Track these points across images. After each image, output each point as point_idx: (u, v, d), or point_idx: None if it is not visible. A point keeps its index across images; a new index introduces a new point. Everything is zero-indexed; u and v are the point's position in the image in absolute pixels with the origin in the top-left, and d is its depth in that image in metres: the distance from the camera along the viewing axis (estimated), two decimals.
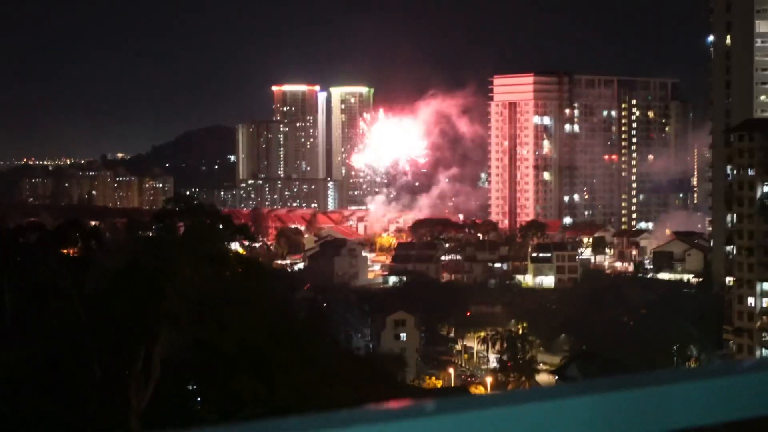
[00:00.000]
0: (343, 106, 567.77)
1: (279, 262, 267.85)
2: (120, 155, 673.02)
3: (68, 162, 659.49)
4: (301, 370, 47.37)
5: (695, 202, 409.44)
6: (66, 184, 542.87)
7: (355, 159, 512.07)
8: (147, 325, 47.82)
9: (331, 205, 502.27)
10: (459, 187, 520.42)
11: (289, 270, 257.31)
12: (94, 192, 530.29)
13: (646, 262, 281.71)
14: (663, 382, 2.45)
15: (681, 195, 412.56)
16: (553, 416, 2.53)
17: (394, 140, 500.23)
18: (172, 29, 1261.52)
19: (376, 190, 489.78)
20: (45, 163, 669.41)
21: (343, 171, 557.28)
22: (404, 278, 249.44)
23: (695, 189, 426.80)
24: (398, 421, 2.33)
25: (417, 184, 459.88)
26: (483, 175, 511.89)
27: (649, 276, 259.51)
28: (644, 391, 2.45)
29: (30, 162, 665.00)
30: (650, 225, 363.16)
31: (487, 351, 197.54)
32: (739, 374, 2.56)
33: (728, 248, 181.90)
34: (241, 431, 2.31)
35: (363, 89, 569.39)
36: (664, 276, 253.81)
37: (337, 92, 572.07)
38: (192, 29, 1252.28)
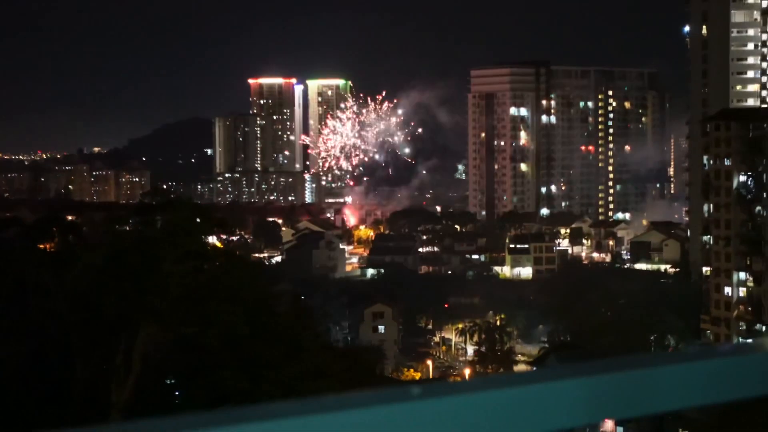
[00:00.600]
0: (320, 99, 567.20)
1: (257, 255, 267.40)
2: (97, 149, 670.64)
3: (45, 156, 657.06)
4: (285, 364, 47.33)
5: (672, 192, 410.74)
6: (43, 179, 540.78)
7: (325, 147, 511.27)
8: (128, 321, 47.71)
9: (308, 197, 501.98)
10: (437, 178, 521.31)
11: (267, 263, 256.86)
12: (71, 186, 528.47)
13: (624, 252, 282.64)
14: (646, 366, 2.51)
15: (658, 185, 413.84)
16: (540, 399, 2.55)
17: (372, 131, 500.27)
18: (149, 22, 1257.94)
19: (351, 183, 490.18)
20: (21, 157, 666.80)
21: (320, 163, 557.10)
22: (382, 270, 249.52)
23: (672, 179, 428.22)
24: (387, 404, 2.35)
25: (395, 174, 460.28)
26: (461, 167, 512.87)
27: (626, 266, 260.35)
28: (629, 374, 2.52)
29: (6, 157, 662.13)
30: (627, 215, 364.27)
31: (466, 342, 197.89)
32: (721, 358, 2.61)
33: (705, 238, 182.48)
34: (230, 416, 2.33)
35: (340, 81, 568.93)
36: (641, 266, 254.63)
37: (314, 85, 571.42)
38: (169, 22, 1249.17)
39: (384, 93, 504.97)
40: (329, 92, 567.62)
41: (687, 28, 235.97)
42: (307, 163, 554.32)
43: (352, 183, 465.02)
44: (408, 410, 2.35)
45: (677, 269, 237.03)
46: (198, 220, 60.93)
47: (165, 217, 57.99)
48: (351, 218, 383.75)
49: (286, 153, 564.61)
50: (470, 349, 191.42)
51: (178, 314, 48.72)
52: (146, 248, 51.43)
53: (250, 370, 45.84)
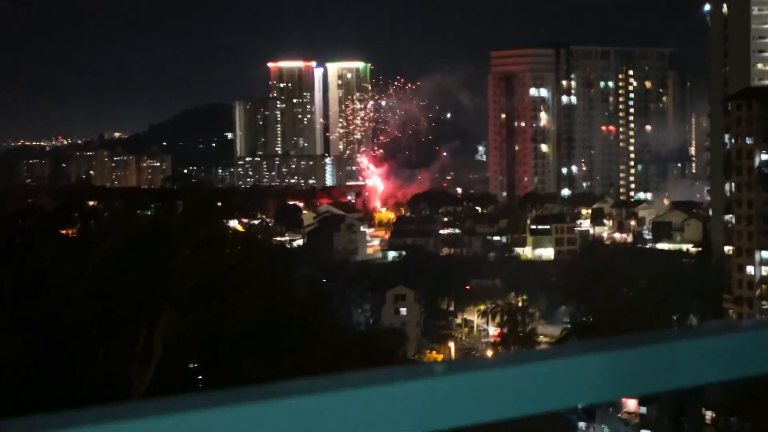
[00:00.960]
0: (339, 82, 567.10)
1: (278, 238, 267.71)
2: (117, 135, 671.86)
3: (65, 142, 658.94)
4: (305, 351, 47.41)
5: (694, 171, 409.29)
6: (64, 165, 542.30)
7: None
8: (148, 307, 47.80)
9: (329, 181, 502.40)
10: (458, 160, 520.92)
11: (288, 247, 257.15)
12: (92, 172, 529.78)
13: (645, 232, 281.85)
14: (666, 341, 2.50)
15: (679, 165, 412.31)
16: (564, 374, 2.56)
17: (392, 114, 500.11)
18: (168, 8, 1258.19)
19: (371, 166, 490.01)
20: (42, 143, 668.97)
21: (341, 146, 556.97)
22: (403, 253, 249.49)
23: (694, 159, 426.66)
24: (409, 381, 2.38)
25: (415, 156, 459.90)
26: (481, 149, 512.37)
27: (648, 246, 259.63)
28: (649, 349, 2.52)
29: (27, 143, 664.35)
30: (649, 195, 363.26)
31: (488, 324, 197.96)
32: (739, 333, 2.61)
33: (727, 217, 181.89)
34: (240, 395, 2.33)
35: (360, 64, 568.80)
36: (663, 246, 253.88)
37: (334, 68, 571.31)
38: (188, 6, 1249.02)
39: (404, 76, 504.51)
40: (349, 75, 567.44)
41: (707, 7, 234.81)
42: (328, 143, 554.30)
43: (374, 165, 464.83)
44: (431, 386, 2.38)
45: (699, 249, 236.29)
46: (218, 205, 61.02)
47: (185, 203, 58.03)
48: (373, 201, 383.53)
49: (307, 136, 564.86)
50: (492, 331, 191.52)
51: (197, 301, 48.81)
52: (165, 234, 51.47)
53: (268, 356, 45.92)
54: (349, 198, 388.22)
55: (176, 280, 48.42)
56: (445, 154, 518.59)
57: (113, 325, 47.91)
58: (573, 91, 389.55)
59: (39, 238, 59.19)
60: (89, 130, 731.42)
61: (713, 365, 2.44)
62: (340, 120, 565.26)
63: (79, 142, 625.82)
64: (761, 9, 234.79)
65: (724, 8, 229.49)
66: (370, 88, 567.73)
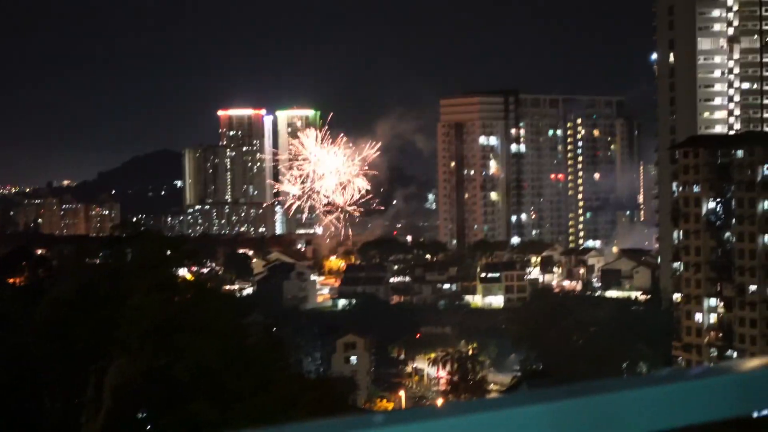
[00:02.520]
0: (289, 130, 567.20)
1: (228, 287, 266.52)
2: (66, 182, 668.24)
3: (13, 190, 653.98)
4: (256, 396, 47.14)
5: (642, 219, 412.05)
6: (12, 213, 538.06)
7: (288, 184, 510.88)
8: (98, 354, 47.42)
9: (279, 228, 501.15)
10: (408, 208, 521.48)
11: (238, 295, 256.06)
12: (40, 220, 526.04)
13: (595, 280, 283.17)
14: (614, 390, 2.47)
15: (628, 212, 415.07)
16: (506, 426, 2.50)
17: (339, 162, 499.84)
18: (118, 55, 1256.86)
19: (322, 213, 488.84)
20: None
21: (290, 194, 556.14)
22: (353, 301, 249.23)
23: (642, 206, 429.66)
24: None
25: (365, 207, 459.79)
26: (431, 196, 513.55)
27: (597, 294, 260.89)
28: (596, 398, 2.48)
29: None
30: (598, 243, 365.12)
31: (438, 372, 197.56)
32: (689, 380, 2.59)
33: (675, 265, 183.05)
34: None
35: (309, 112, 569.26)
36: (612, 294, 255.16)
37: (284, 115, 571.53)
38: (137, 54, 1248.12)
39: (354, 123, 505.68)
40: (299, 122, 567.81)
41: (654, 56, 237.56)
42: (276, 190, 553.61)
43: (323, 213, 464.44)
44: None
45: (648, 296, 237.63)
46: (168, 252, 60.68)
47: (134, 250, 57.74)
48: (322, 248, 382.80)
49: (257, 184, 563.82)
50: (443, 379, 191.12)
51: (148, 346, 48.47)
52: (115, 281, 51.17)
53: (220, 401, 45.65)
54: (299, 246, 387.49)
55: (126, 325, 48.08)
56: (395, 201, 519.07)
57: (62, 371, 47.44)
58: (522, 139, 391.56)
59: None
60: (38, 177, 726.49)
61: (661, 413, 2.47)
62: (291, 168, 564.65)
63: (28, 189, 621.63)
64: (707, 58, 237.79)
65: (671, 57, 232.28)
66: (321, 135, 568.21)
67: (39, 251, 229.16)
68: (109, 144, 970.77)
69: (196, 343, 48.08)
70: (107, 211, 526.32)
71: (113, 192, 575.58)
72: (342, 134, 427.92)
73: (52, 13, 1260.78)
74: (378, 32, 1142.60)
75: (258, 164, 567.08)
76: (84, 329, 48.53)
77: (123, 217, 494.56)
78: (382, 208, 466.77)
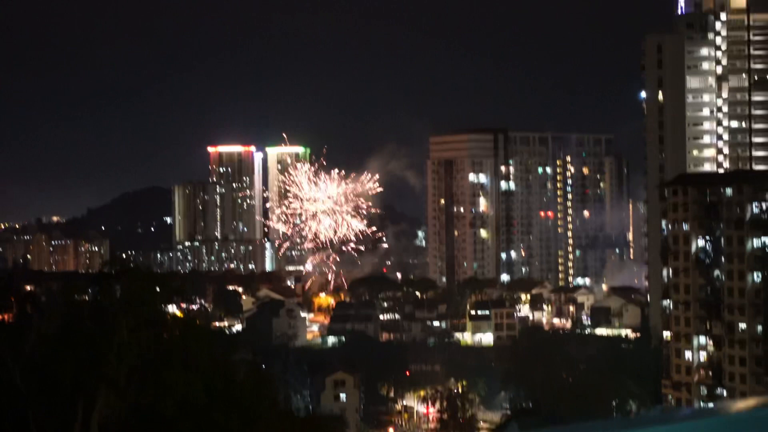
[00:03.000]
0: (279, 167, 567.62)
1: (217, 324, 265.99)
2: (55, 218, 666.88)
3: (3, 226, 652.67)
4: (244, 431, 46.93)
5: (632, 257, 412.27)
6: (0, 249, 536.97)
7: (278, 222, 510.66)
8: (85, 390, 47.16)
9: (268, 265, 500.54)
10: (397, 245, 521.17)
11: (227, 332, 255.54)
12: (29, 256, 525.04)
13: (584, 317, 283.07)
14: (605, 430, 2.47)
15: (617, 250, 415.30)
16: None
17: (329, 198, 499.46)
18: (107, 91, 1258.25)
19: (308, 249, 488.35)
20: None
21: (281, 232, 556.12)
22: (343, 338, 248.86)
23: (632, 244, 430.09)
24: None
25: (354, 244, 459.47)
26: (421, 233, 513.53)
27: (587, 332, 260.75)
28: None
29: None
30: (587, 281, 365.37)
31: (427, 409, 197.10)
32: (678, 422, 2.61)
33: (665, 302, 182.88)
34: None
35: (299, 149, 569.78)
36: (602, 331, 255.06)
37: (273, 152, 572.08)
38: (126, 90, 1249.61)
39: (344, 160, 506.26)
40: (288, 159, 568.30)
41: (643, 94, 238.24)
42: (267, 229, 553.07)
43: (313, 250, 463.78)
44: None
45: (637, 334, 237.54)
46: (156, 288, 60.48)
47: (123, 286, 57.53)
48: (312, 286, 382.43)
49: (246, 221, 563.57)
50: (433, 416, 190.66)
51: (134, 382, 48.24)
52: (102, 317, 50.97)
53: None
54: (288, 283, 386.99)
55: (113, 362, 47.85)
56: (384, 239, 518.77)
57: (49, 407, 47.17)
58: (512, 177, 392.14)
59: None
60: (27, 213, 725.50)
61: None
62: (280, 205, 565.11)
63: (17, 225, 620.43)
64: (695, 97, 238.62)
65: (660, 95, 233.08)
66: (310, 172, 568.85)
67: (27, 287, 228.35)
68: (99, 180, 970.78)
69: (183, 380, 47.86)
70: (96, 248, 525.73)
71: (102, 228, 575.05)
72: (336, 169, 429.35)
73: (41, 50, 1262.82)
74: (367, 70, 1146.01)
75: (248, 201, 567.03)
76: (71, 365, 48.30)
77: (112, 253, 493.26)
78: (384, 244, 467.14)
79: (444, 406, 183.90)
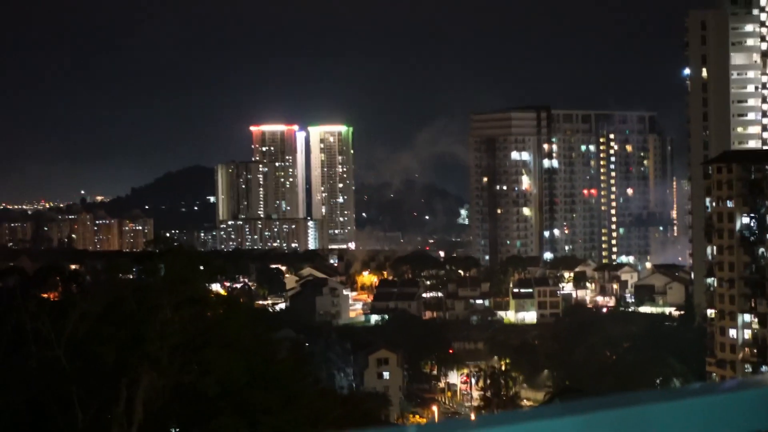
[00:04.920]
0: (322, 145, 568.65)
1: (260, 302, 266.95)
2: (99, 198, 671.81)
3: (47, 206, 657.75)
4: (284, 411, 47.14)
5: (675, 234, 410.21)
6: (45, 228, 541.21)
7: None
8: (128, 368, 47.54)
9: (311, 244, 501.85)
10: (440, 223, 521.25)
11: (271, 310, 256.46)
12: (74, 235, 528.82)
13: (628, 295, 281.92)
14: (643, 403, 2.44)
15: (661, 228, 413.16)
16: None
17: (376, 177, 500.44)
18: (151, 71, 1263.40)
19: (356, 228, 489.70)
20: (24, 207, 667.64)
21: (323, 210, 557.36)
22: (386, 316, 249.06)
23: (675, 222, 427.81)
24: None
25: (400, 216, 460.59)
26: (463, 212, 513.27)
27: (630, 310, 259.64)
28: (626, 410, 2.47)
29: (8, 206, 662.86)
30: (631, 259, 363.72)
31: (471, 388, 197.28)
32: (722, 393, 2.56)
33: (709, 280, 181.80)
34: None
35: (342, 128, 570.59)
36: (645, 309, 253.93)
37: (316, 131, 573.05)
38: (170, 71, 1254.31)
39: (387, 138, 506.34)
40: (331, 138, 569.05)
41: (687, 71, 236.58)
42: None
43: (356, 228, 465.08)
44: None
45: (681, 312, 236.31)
46: (199, 267, 60.85)
47: (166, 266, 57.89)
48: (355, 264, 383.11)
49: (289, 199, 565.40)
50: (475, 395, 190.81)
51: (177, 362, 48.59)
52: (145, 296, 51.33)
53: (248, 416, 45.66)
54: (331, 261, 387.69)
55: (156, 340, 48.22)
56: (427, 216, 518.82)
57: (93, 385, 47.58)
58: (555, 155, 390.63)
59: (19, 300, 58.83)
60: (71, 193, 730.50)
61: (689, 427, 2.45)
62: (323, 184, 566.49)
63: (61, 205, 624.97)
64: (740, 73, 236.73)
65: (704, 72, 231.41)
66: (352, 151, 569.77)
67: (72, 266, 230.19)
68: (143, 160, 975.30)
69: (225, 358, 48.18)
70: (140, 227, 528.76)
71: (146, 208, 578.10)
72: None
73: (88, 31, 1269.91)
74: (408, 48, 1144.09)
75: (290, 179, 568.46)
76: (114, 344, 48.70)
77: (156, 232, 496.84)
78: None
79: (487, 384, 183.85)
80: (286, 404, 47.69)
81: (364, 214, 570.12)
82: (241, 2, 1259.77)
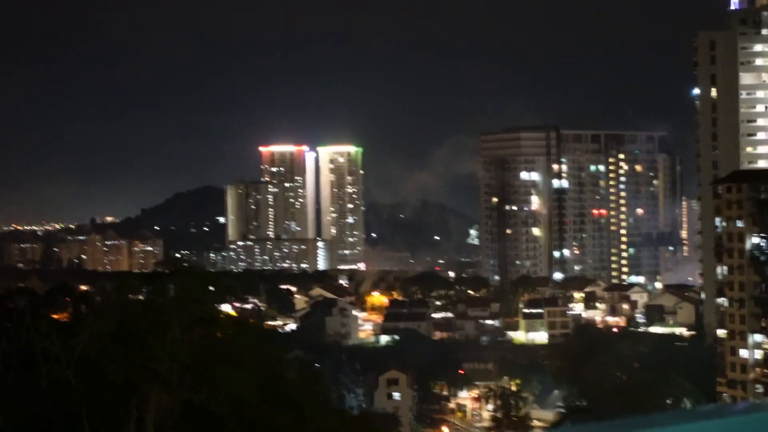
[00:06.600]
0: (331, 166, 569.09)
1: (270, 323, 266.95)
2: (109, 219, 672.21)
3: (57, 227, 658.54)
4: (293, 430, 47.08)
5: (685, 254, 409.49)
6: (55, 249, 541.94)
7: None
8: (138, 388, 47.53)
9: (321, 264, 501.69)
10: (450, 243, 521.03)
11: (281, 331, 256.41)
12: (83, 256, 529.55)
13: (638, 316, 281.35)
14: (660, 424, 2.46)
15: (671, 248, 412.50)
16: None
17: (384, 197, 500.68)
18: (161, 92, 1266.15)
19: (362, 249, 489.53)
20: (34, 228, 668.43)
21: (333, 230, 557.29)
22: (396, 337, 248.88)
23: (685, 241, 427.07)
24: None
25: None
26: (473, 232, 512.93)
27: (641, 330, 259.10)
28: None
29: (19, 227, 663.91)
30: (641, 279, 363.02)
31: (481, 408, 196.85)
32: (734, 416, 2.58)
33: (719, 300, 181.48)
34: None
35: (351, 148, 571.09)
36: (656, 329, 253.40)
37: (325, 152, 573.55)
38: (179, 91, 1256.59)
39: (396, 159, 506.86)
40: (341, 159, 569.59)
41: (696, 91, 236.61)
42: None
43: (366, 249, 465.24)
44: None
45: (692, 332, 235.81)
46: (209, 288, 60.89)
47: (176, 286, 57.97)
48: (364, 284, 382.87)
49: (299, 220, 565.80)
50: (486, 415, 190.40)
51: (187, 381, 48.58)
52: (155, 316, 51.37)
53: None
54: (341, 281, 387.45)
55: (166, 360, 48.21)
56: (437, 237, 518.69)
57: (102, 405, 47.55)
58: (564, 175, 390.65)
59: (29, 321, 58.90)
60: (81, 214, 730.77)
61: None
62: (332, 204, 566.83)
63: (71, 226, 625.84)
64: (749, 93, 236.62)
65: (713, 92, 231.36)
66: (362, 171, 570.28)
67: (82, 287, 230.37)
68: (152, 181, 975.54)
69: (235, 378, 48.17)
70: (150, 248, 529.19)
71: (156, 228, 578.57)
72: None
73: (98, 52, 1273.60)
74: (419, 67, 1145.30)
75: (300, 200, 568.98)
76: (124, 363, 48.70)
77: (166, 253, 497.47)
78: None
79: (497, 405, 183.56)
80: (295, 424, 47.67)
81: (373, 235, 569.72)
82: (250, 22, 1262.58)
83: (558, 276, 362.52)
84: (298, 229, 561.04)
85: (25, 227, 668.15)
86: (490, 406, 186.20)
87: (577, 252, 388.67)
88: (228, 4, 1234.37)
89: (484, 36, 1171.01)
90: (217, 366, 49.45)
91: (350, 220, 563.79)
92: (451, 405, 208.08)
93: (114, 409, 47.78)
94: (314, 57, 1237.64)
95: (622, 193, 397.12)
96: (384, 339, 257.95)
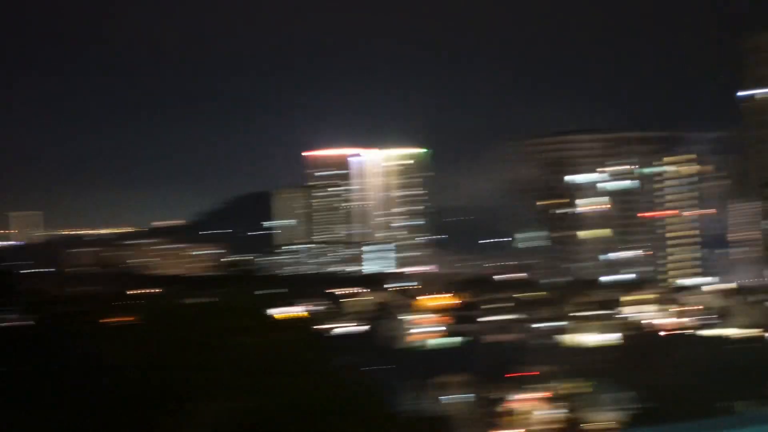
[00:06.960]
0: (387, 168, 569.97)
1: (325, 326, 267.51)
2: (166, 223, 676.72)
3: (115, 231, 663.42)
4: None
5: (747, 255, 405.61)
6: (114, 254, 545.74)
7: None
8: (197, 395, 47.32)
9: (374, 267, 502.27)
10: (503, 245, 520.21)
11: (336, 334, 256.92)
12: (142, 260, 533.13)
13: (701, 317, 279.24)
14: (730, 427, 2.53)
15: (731, 249, 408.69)
16: None
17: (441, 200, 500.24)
18: (219, 96, 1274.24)
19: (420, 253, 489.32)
20: (92, 231, 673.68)
21: (386, 233, 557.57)
22: (451, 339, 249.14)
23: (746, 242, 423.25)
24: None
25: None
26: (525, 235, 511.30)
27: (704, 333, 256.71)
28: None
29: (77, 231, 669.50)
30: (698, 280, 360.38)
31: (540, 410, 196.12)
32: None
33: None
34: None
35: (413, 150, 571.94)
36: (716, 332, 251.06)
37: (380, 155, 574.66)
38: (237, 94, 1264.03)
39: (451, 161, 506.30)
40: (394, 161, 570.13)
41: (745, 93, 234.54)
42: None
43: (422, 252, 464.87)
44: None
45: (762, 334, 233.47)
46: (264, 292, 60.80)
47: (231, 290, 58.00)
48: (420, 287, 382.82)
49: (354, 223, 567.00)
50: (542, 417, 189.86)
51: (243, 388, 48.37)
52: (211, 322, 51.23)
53: None
54: (396, 284, 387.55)
55: (226, 365, 48.07)
56: (490, 240, 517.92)
57: (160, 412, 47.39)
58: (618, 177, 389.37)
59: (87, 326, 59.08)
60: (138, 219, 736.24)
61: None
62: (386, 207, 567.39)
63: (130, 230, 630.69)
64: None
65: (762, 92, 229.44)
66: (417, 173, 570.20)
67: (142, 291, 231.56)
68: (208, 185, 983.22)
69: (292, 384, 47.89)
70: (208, 252, 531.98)
71: (212, 232, 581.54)
72: None
73: (149, 54, 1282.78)
74: (478, 70, 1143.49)
75: (353, 203, 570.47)
76: (182, 369, 48.49)
77: (224, 257, 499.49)
78: None
79: (551, 407, 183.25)
80: (354, 429, 47.39)
81: (429, 237, 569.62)
82: (301, 25, 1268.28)
83: (616, 278, 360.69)
84: (350, 232, 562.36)
85: (84, 231, 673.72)
86: (551, 409, 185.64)
87: (633, 254, 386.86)
88: (279, 8, 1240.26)
89: (547, 39, 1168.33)
90: (273, 372, 49.19)
91: (405, 222, 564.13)
92: (505, 408, 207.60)
93: (170, 416, 47.58)
94: (363, 60, 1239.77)
95: (679, 194, 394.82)
96: (441, 341, 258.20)
